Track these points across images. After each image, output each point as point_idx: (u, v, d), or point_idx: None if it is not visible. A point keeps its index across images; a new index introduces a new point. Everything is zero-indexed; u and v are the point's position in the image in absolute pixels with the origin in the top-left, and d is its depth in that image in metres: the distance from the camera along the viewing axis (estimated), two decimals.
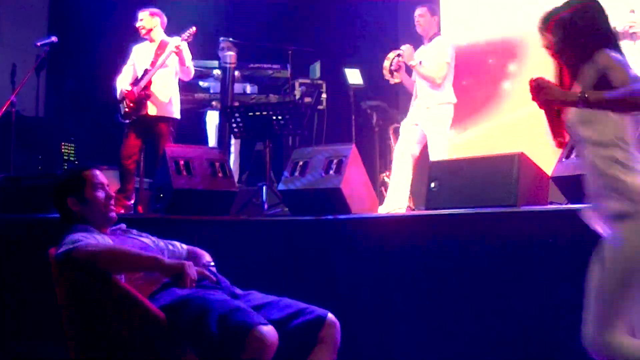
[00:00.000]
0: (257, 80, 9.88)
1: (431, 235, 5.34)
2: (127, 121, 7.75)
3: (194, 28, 7.74)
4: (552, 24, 3.39)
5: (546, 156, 5.53)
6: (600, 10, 3.38)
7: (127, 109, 7.68)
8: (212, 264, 4.05)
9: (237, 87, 9.59)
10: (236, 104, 9.14)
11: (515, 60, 9.07)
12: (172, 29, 7.93)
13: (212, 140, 9.57)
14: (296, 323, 3.63)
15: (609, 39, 3.34)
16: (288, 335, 3.61)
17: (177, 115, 7.85)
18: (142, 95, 7.64)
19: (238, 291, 3.81)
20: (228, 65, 9.29)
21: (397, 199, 7.28)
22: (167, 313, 3.52)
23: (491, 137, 9.07)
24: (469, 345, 5.02)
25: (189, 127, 8.94)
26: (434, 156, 7.20)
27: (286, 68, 9.74)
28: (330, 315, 3.68)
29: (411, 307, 5.36)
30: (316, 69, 9.98)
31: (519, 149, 5.42)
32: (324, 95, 9.57)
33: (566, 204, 5.20)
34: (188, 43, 7.76)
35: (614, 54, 3.23)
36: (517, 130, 8.64)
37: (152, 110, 7.67)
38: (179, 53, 7.63)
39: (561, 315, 4.62)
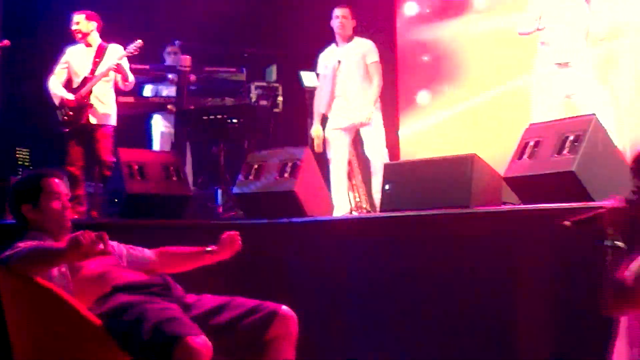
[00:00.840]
0: (213, 83, 9.85)
1: (385, 236, 5.35)
2: (66, 130, 7.67)
3: (140, 41, 7.64)
4: None
5: (498, 156, 5.58)
6: None
7: (65, 117, 7.60)
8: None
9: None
10: (191, 107, 9.10)
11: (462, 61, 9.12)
12: (122, 32, 7.85)
13: (157, 145, 9.51)
14: (250, 320, 3.63)
15: None
16: (243, 333, 3.61)
17: (114, 122, 7.79)
18: (83, 104, 7.56)
19: (189, 299, 3.78)
20: (183, 69, 9.24)
21: (341, 204, 7.36)
22: (107, 318, 3.50)
23: (442, 135, 9.09)
24: (422, 343, 5.03)
25: (137, 132, 8.91)
26: (376, 155, 7.31)
27: (242, 71, 9.73)
28: (284, 308, 3.69)
29: (366, 308, 5.36)
30: (272, 71, 9.96)
31: (471, 148, 5.46)
32: (280, 98, 9.54)
33: (519, 204, 5.22)
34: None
35: None
36: (469, 129, 8.69)
37: (92, 119, 7.61)
38: (118, 70, 7.57)
39: (516, 314, 4.65)
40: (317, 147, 7.68)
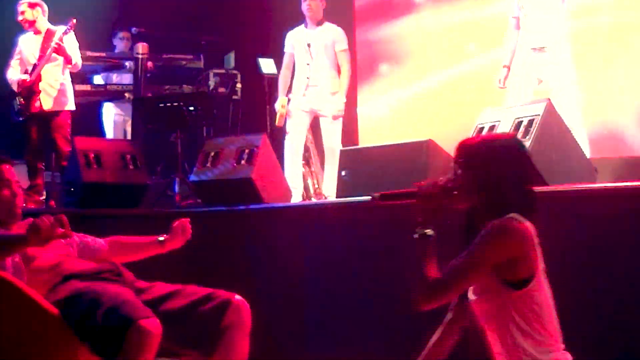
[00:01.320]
0: (171, 71, 9.81)
1: (342, 222, 5.35)
2: (21, 119, 7.62)
3: (73, 20, 7.58)
4: None
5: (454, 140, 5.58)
6: None
7: (19, 106, 7.55)
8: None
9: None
10: (149, 95, 9.06)
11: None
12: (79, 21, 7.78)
13: (110, 133, 9.46)
14: (202, 309, 3.62)
15: None
16: (195, 322, 3.60)
17: (71, 106, 7.74)
18: (32, 91, 7.51)
19: (141, 285, 3.77)
20: (140, 56, 9.18)
21: (295, 185, 7.40)
22: (62, 306, 3.48)
23: (400, 119, 9.10)
24: (380, 328, 5.05)
25: (88, 120, 8.86)
26: (333, 142, 7.33)
27: (200, 59, 9.70)
28: (237, 297, 3.67)
29: (322, 293, 5.37)
30: (231, 59, 9.93)
31: (427, 133, 5.48)
32: (238, 85, 9.53)
33: None
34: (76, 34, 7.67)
35: None
36: (425, 114, 8.72)
37: (46, 104, 7.56)
38: (60, 51, 7.51)
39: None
40: (280, 119, 7.66)
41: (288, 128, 7.69)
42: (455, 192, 2.94)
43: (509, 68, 6.89)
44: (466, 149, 3.00)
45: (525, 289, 2.80)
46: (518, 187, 2.91)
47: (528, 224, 2.82)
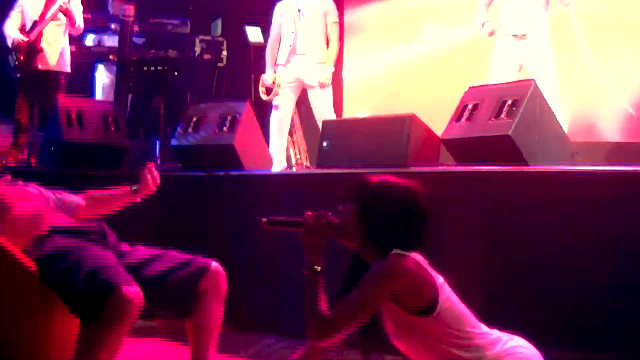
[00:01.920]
0: (157, 35, 9.75)
1: (321, 193, 5.35)
2: (18, 75, 7.58)
3: None
4: None
5: (438, 118, 5.61)
6: None
7: (17, 62, 7.50)
8: None
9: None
10: (134, 58, 9.02)
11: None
12: None
13: (100, 95, 9.42)
14: (180, 274, 3.63)
15: None
16: (173, 286, 3.61)
17: (67, 69, 7.71)
18: (33, 48, 7.46)
19: (124, 248, 3.77)
20: (126, 19, 9.12)
21: (279, 159, 7.38)
22: (43, 263, 3.48)
23: (386, 91, 9.08)
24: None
25: (80, 81, 8.80)
26: (324, 112, 7.28)
27: (186, 24, 9.65)
28: (214, 264, 3.68)
29: (299, 261, 5.38)
30: (217, 26, 9.89)
31: (411, 110, 5.48)
32: (224, 53, 9.49)
33: (455, 165, 5.27)
34: None
35: None
36: (410, 91, 8.71)
37: (43, 64, 7.52)
38: (66, 12, 7.46)
39: (451, 269, 4.70)
40: (268, 93, 7.62)
41: (275, 102, 7.64)
42: (344, 228, 2.96)
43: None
44: (361, 185, 3.04)
45: (435, 311, 2.84)
46: (402, 232, 2.92)
47: (413, 255, 2.87)
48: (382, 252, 2.87)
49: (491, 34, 6.85)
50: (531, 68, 6.68)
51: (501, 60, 6.79)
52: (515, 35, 6.70)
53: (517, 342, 2.99)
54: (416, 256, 2.88)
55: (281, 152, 7.54)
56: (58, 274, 3.42)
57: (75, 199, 4.10)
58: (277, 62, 7.65)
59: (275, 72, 7.62)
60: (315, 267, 2.92)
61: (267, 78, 7.64)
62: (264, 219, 3.07)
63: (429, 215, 3.00)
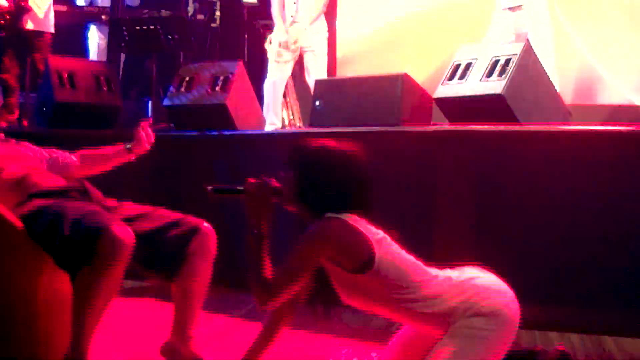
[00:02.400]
0: None
1: None
2: (3, 34, 7.53)
3: None
4: None
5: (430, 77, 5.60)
6: None
7: (2, 21, 7.44)
8: None
9: None
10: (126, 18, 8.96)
11: None
12: None
13: (93, 56, 9.38)
14: (171, 234, 3.62)
15: None
16: (163, 245, 3.61)
17: (52, 29, 7.66)
18: (20, 8, 7.41)
19: (111, 204, 3.77)
20: None
21: (274, 121, 7.34)
22: (26, 221, 3.47)
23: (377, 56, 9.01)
24: None
25: (72, 42, 8.77)
26: (318, 73, 7.25)
27: None
28: (205, 225, 3.68)
29: (290, 222, 5.39)
30: None
31: (405, 69, 5.47)
32: (217, 13, 9.43)
33: (448, 124, 5.27)
34: None
35: None
36: (404, 50, 8.64)
37: (29, 24, 7.47)
38: None
39: (440, 228, 4.73)
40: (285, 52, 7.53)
41: (271, 70, 7.59)
42: (283, 193, 3.00)
43: None
44: (297, 150, 3.07)
45: (373, 267, 2.89)
46: (334, 190, 2.96)
47: (346, 217, 2.90)
48: (318, 216, 2.92)
49: None
50: (529, 37, 6.59)
51: (495, 33, 6.74)
52: (511, 7, 6.64)
53: (470, 274, 3.03)
54: (350, 217, 2.91)
55: (275, 114, 7.52)
56: (40, 228, 3.41)
57: (70, 158, 4.09)
58: (273, 31, 7.59)
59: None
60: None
61: (288, 37, 7.45)
62: (209, 187, 3.11)
63: (366, 178, 3.04)
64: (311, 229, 2.91)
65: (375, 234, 2.94)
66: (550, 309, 4.44)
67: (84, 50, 9.47)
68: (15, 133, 4.74)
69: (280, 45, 7.41)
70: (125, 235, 3.25)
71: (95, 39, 9.45)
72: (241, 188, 3.02)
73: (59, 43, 7.82)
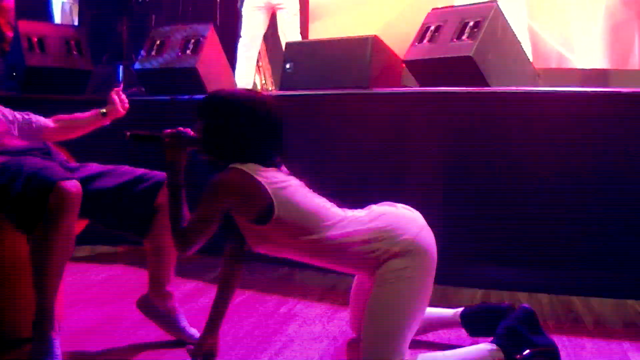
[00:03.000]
0: None
1: (285, 115, 5.35)
2: None
3: None
4: None
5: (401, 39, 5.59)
6: None
7: None
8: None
9: None
10: None
11: None
12: None
13: (58, 20, 9.29)
14: (136, 190, 3.64)
15: None
16: (128, 202, 3.62)
17: None
18: None
19: (73, 165, 3.78)
20: None
21: (245, 84, 7.34)
22: None
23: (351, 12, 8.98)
24: None
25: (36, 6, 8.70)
26: (291, 36, 7.24)
27: None
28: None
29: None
30: None
31: (376, 32, 5.48)
32: None
33: (418, 86, 5.28)
34: None
35: None
36: (375, 13, 8.63)
37: None
38: None
39: (410, 190, 4.75)
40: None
41: (244, 28, 7.58)
42: (196, 143, 3.14)
43: None
44: (208, 101, 3.20)
45: (273, 216, 3.03)
46: (236, 139, 3.08)
47: (247, 167, 3.03)
48: (224, 166, 3.05)
49: None
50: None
51: None
52: None
53: (378, 211, 3.16)
54: (252, 167, 3.03)
55: (248, 76, 7.52)
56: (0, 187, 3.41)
57: (44, 121, 4.09)
58: None
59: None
60: (174, 181, 3.13)
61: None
62: (128, 133, 3.26)
63: (272, 127, 3.17)
64: (212, 179, 3.03)
65: (280, 182, 3.05)
66: (520, 270, 4.50)
67: (47, 15, 9.38)
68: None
69: None
70: (72, 186, 3.25)
71: (59, 2, 9.35)
72: (158, 136, 3.17)
73: (22, 7, 7.73)
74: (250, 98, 3.15)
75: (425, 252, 3.11)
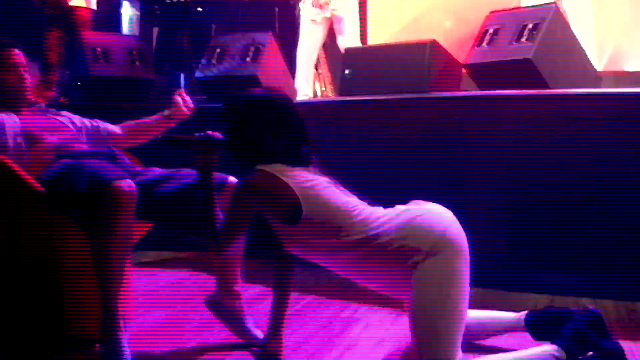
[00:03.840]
0: None
1: (344, 121, 5.40)
2: (46, 10, 7.60)
3: None
4: None
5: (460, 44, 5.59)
6: None
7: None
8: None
9: None
10: None
11: None
12: None
13: (126, 31, 9.45)
14: (198, 190, 3.67)
15: None
16: (191, 202, 3.66)
17: (94, 5, 7.74)
18: None
19: (138, 169, 3.85)
20: None
21: (306, 91, 7.37)
22: (49, 182, 3.56)
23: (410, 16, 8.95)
24: None
25: (106, 17, 8.83)
26: (348, 41, 7.25)
27: None
28: (231, 178, 3.70)
29: None
30: None
31: (435, 36, 5.49)
32: None
33: (476, 90, 5.28)
34: None
35: None
36: (434, 16, 8.60)
37: (73, 0, 7.54)
38: None
39: (468, 193, 4.75)
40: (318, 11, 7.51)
41: (303, 37, 7.61)
42: (226, 146, 3.17)
43: None
44: (228, 104, 3.22)
45: (302, 216, 3.02)
46: (258, 140, 3.09)
47: (273, 167, 3.03)
48: (250, 168, 3.07)
49: None
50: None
51: None
52: None
53: (405, 208, 3.13)
54: (278, 168, 3.03)
55: (308, 84, 7.54)
56: (63, 189, 3.48)
57: (112, 127, 4.18)
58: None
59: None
60: (206, 184, 3.17)
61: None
62: (159, 136, 3.32)
63: (294, 125, 3.15)
64: (239, 182, 3.07)
65: (307, 181, 3.04)
66: (585, 276, 4.47)
67: (117, 26, 9.55)
68: (55, 106, 4.82)
69: (312, 4, 7.42)
70: (125, 185, 3.31)
71: (128, 14, 9.52)
72: (188, 139, 3.21)
73: (94, 20, 7.88)
74: (266, 98, 3.18)
75: (456, 248, 3.06)
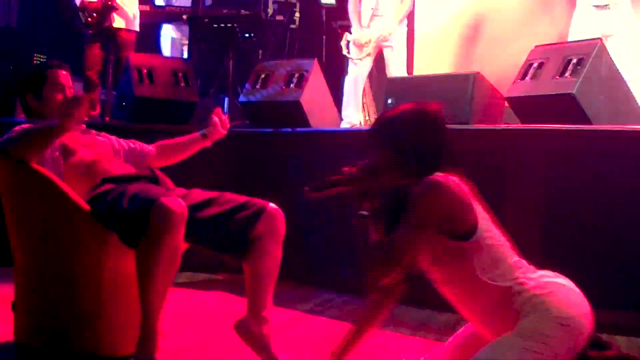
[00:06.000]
0: None
1: None
2: (90, 32, 7.70)
3: None
4: None
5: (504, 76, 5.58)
6: None
7: (89, 19, 7.61)
8: None
9: None
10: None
11: None
12: None
13: (166, 53, 9.55)
14: (238, 216, 3.68)
15: None
16: (230, 228, 3.66)
17: (137, 27, 7.84)
18: (107, 6, 7.58)
19: (179, 192, 3.86)
20: None
21: (351, 120, 7.37)
22: (94, 202, 3.61)
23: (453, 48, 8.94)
24: None
25: (148, 39, 8.95)
26: (396, 71, 7.24)
27: None
28: (271, 205, 3.71)
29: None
30: None
31: (479, 68, 5.48)
32: (297, 14, 9.51)
33: (519, 124, 5.26)
34: None
35: None
36: (479, 48, 8.59)
37: (117, 22, 7.64)
38: None
39: (509, 227, 4.71)
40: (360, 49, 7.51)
41: (351, 67, 7.61)
42: (377, 170, 2.95)
43: None
44: (378, 126, 3.05)
45: (474, 236, 2.80)
46: (432, 150, 2.92)
47: (452, 177, 2.82)
48: (416, 182, 2.82)
49: None
50: (615, 40, 6.43)
51: (581, 31, 6.53)
52: (597, 5, 6.52)
53: (554, 276, 2.89)
54: (456, 178, 2.83)
55: (356, 112, 7.53)
56: (104, 205, 3.53)
57: (147, 148, 4.21)
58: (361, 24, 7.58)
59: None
60: (362, 212, 2.93)
61: (360, 36, 7.45)
62: (306, 188, 3.05)
63: (444, 134, 3.00)
64: (420, 185, 2.80)
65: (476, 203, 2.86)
66: (620, 313, 4.41)
67: (157, 48, 9.65)
68: (96, 126, 4.89)
69: (354, 43, 7.44)
70: (176, 205, 3.33)
71: (169, 38, 9.61)
72: (337, 179, 3.00)
73: (137, 40, 7.98)
74: (420, 108, 3.08)
75: (579, 334, 2.80)
